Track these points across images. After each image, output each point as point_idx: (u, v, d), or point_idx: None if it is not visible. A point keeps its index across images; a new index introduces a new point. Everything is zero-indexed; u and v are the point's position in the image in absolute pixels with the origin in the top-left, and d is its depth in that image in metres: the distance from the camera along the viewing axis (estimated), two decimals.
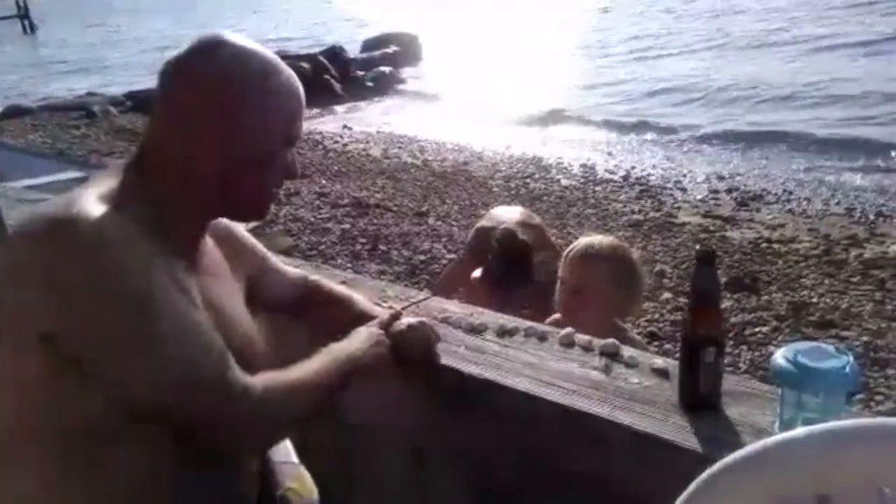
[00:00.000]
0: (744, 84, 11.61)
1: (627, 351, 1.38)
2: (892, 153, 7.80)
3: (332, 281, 1.56)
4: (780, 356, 1.08)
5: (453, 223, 6.08)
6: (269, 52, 1.14)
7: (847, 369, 1.05)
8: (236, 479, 1.19)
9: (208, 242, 1.20)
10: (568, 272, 1.94)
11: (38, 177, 4.84)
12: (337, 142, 9.84)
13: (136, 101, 13.09)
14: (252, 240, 1.36)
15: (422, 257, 5.28)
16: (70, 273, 0.93)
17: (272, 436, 1.19)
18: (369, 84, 14.61)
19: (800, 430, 0.78)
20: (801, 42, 14.36)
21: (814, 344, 1.11)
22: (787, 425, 1.08)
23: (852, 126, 8.76)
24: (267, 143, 1.13)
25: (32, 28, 40.82)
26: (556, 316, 1.96)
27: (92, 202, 0.99)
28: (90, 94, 14.76)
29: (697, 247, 1.20)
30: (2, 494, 1.02)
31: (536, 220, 3.06)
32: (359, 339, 1.31)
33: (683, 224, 5.91)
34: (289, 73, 1.15)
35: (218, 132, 1.08)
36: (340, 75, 13.96)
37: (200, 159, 1.09)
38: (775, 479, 0.77)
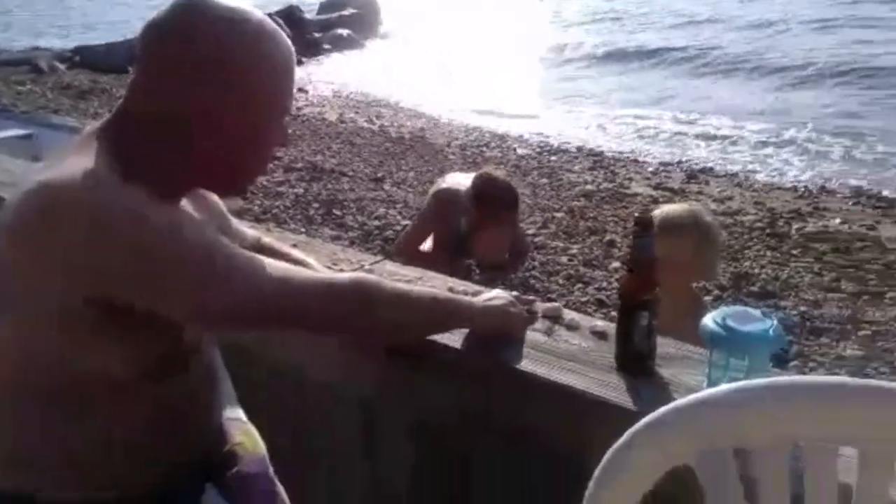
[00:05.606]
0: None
1: (569, 314, 1.43)
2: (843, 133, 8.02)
3: (284, 243, 1.57)
4: (710, 319, 1.13)
5: (409, 189, 6.09)
6: (258, 11, 1.07)
7: (771, 332, 1.10)
8: (199, 434, 1.21)
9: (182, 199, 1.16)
10: None
11: None
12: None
13: (84, 57, 12.72)
14: (216, 197, 1.33)
15: (377, 223, 5.28)
16: (94, 233, 0.92)
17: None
18: (326, 47, 14.41)
19: (718, 388, 0.83)
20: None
21: (742, 308, 1.16)
22: (713, 384, 1.13)
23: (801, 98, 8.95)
24: (268, 108, 1.08)
25: None
26: None
27: (80, 168, 0.95)
28: (36, 48, 14.26)
29: (636, 214, 1.24)
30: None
31: None
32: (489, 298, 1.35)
33: (635, 195, 6.01)
34: (283, 34, 1.09)
35: (214, 98, 1.02)
36: (296, 37, 13.64)
37: (193, 125, 1.03)
38: (694, 433, 0.80)
